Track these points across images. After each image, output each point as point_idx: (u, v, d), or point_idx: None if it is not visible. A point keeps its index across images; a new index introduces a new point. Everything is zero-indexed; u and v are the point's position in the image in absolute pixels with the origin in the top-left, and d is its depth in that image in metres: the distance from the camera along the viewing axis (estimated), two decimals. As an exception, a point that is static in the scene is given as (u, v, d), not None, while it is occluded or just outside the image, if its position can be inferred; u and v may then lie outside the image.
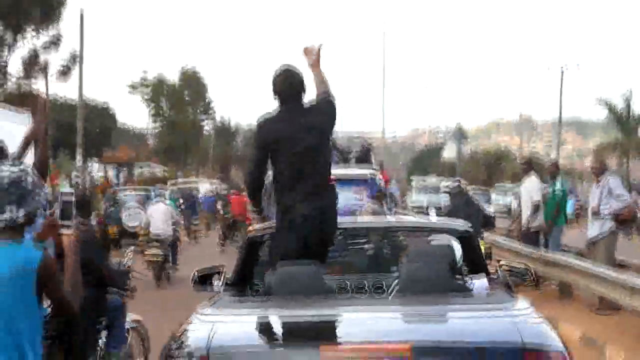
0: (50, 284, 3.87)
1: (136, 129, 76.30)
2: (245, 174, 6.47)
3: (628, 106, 52.31)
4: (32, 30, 37.42)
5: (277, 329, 4.60)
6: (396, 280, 5.90)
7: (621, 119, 52.76)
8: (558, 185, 15.28)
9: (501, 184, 57.67)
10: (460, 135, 23.73)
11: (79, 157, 36.96)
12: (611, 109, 52.42)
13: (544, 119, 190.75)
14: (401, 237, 7.51)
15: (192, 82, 72.95)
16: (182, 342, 4.25)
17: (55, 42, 37.91)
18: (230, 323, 4.47)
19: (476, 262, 6.19)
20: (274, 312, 4.79)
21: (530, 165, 16.34)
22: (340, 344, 4.15)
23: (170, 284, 16.88)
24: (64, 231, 4.02)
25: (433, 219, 8.78)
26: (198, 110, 74.98)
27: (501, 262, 6.70)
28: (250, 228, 6.67)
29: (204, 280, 6.34)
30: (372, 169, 14.55)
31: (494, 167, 76.07)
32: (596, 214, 13.04)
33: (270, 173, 6.30)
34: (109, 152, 60.50)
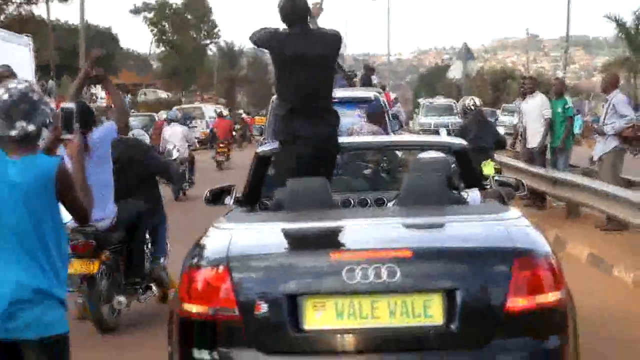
0: (67, 189, 4.12)
1: (140, 53, 75.79)
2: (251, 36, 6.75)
3: (637, 22, 51.52)
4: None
5: (290, 237, 4.95)
6: (396, 194, 6.23)
7: (630, 35, 52.04)
8: (569, 103, 15.07)
9: (508, 105, 57.19)
10: (466, 54, 23.25)
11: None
12: (620, 24, 51.71)
13: (551, 36, 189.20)
14: (400, 154, 8.01)
15: (196, 5, 72.22)
16: (202, 251, 4.62)
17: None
18: (246, 233, 4.88)
19: (471, 176, 6.57)
20: (287, 222, 5.17)
21: (536, 82, 15.95)
22: (348, 249, 4.56)
23: (189, 199, 17.93)
24: (67, 138, 4.27)
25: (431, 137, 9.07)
26: (202, 34, 74.36)
27: (494, 176, 7.13)
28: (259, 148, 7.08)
29: (215, 197, 6.69)
30: (376, 90, 14.89)
31: (501, 86, 75.47)
32: (600, 132, 12.86)
33: (274, 98, 6.54)
34: (112, 77, 60.20)
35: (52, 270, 4.08)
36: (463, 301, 4.19)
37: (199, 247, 4.69)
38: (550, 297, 4.29)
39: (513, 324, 4.24)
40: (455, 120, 40.22)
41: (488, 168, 10.66)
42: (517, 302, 4.22)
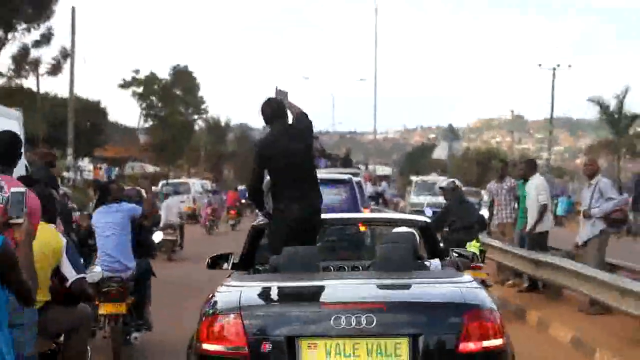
0: (11, 269, 4.04)
1: (127, 126, 75.75)
2: (248, 185, 8.36)
3: (620, 105, 52.21)
4: (23, 27, 37.21)
5: (288, 292, 6.14)
6: (368, 263, 7.52)
7: (613, 119, 52.69)
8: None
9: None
10: (451, 134, 23.52)
11: (70, 154, 36.71)
12: (603, 107, 52.37)
13: (536, 117, 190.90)
14: (374, 229, 9.35)
15: (184, 79, 72.68)
16: (218, 302, 5.73)
17: (46, 38, 37.68)
18: (252, 289, 6.04)
19: (433, 248, 7.98)
20: (284, 281, 6.31)
21: (535, 164, 15.65)
22: (334, 302, 5.62)
23: (179, 259, 21.47)
24: (15, 223, 4.27)
25: (398, 214, 10.81)
26: (189, 108, 74.71)
27: (453, 249, 8.23)
28: (255, 222, 8.38)
29: (215, 262, 7.89)
30: (353, 172, 17.68)
31: (486, 166, 75.75)
32: (587, 215, 12.99)
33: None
34: (101, 150, 60.21)
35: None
36: (425, 344, 5.34)
37: (214, 300, 5.81)
38: (494, 342, 5.41)
39: None
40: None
41: (473, 249, 10.99)
42: (467, 346, 5.35)
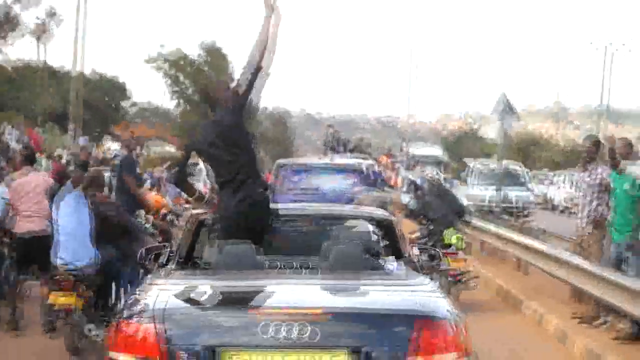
0: None
1: (153, 106, 72.56)
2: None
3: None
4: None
5: (213, 295, 5.49)
6: (319, 259, 6.72)
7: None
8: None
9: (541, 172, 54.17)
10: (507, 108, 18.97)
11: (70, 132, 33.08)
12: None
13: (574, 106, 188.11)
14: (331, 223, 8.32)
15: (214, 57, 69.43)
16: (133, 305, 5.20)
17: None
18: (174, 289, 5.45)
19: (392, 245, 7.15)
20: (212, 281, 5.83)
21: (632, 148, 11.32)
22: (264, 308, 5.06)
23: None
24: None
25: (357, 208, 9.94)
26: (223, 89, 71.69)
27: (414, 245, 7.79)
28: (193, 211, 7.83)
29: (149, 256, 7.32)
30: (365, 158, 18.04)
31: (529, 154, 72.56)
32: None
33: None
34: (123, 129, 57.48)
35: None
36: (366, 359, 4.74)
37: (130, 301, 5.33)
38: (447, 357, 4.79)
39: None
40: (525, 194, 30.29)
41: (448, 236, 12.26)
42: None
